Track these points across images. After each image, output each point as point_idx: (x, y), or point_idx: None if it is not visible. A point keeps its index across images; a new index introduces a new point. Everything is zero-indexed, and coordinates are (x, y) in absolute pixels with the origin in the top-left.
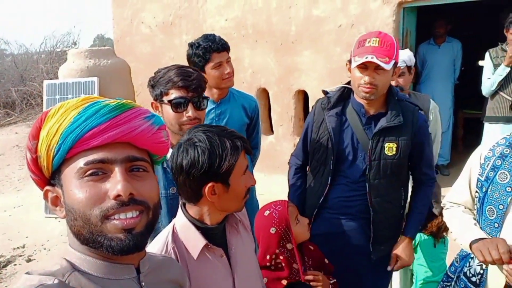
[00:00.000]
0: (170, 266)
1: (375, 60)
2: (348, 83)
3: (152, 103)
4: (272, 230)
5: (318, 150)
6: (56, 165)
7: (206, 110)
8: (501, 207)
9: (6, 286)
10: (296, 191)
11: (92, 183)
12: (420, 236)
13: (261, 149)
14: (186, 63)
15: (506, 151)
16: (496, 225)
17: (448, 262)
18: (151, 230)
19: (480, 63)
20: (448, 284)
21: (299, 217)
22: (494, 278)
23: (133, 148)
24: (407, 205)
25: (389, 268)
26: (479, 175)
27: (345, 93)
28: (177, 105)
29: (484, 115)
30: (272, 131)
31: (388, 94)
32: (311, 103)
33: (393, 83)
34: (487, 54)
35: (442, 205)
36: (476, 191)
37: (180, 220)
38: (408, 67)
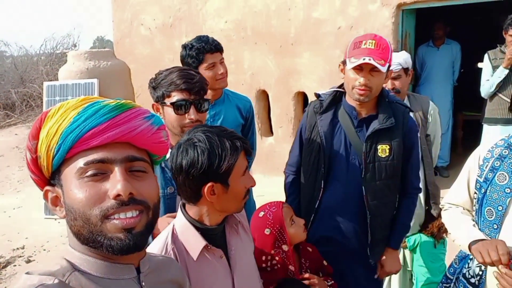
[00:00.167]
0: (170, 266)
1: (372, 62)
2: (340, 86)
3: (153, 105)
4: (267, 231)
5: (310, 154)
6: (56, 165)
7: None
8: (500, 208)
9: (5, 287)
10: (294, 200)
11: (92, 183)
12: (420, 237)
13: (261, 150)
14: None
15: (505, 152)
16: (495, 226)
17: (447, 263)
18: (151, 230)
19: (479, 65)
20: (447, 285)
21: (294, 218)
22: (493, 279)
23: (133, 148)
24: None
25: (376, 276)
26: (478, 176)
27: (337, 96)
28: (179, 108)
29: (483, 117)
30: (272, 133)
31: (379, 96)
32: None
33: (389, 85)
34: (486, 56)
35: (440, 206)
36: (475, 192)
37: (180, 221)
38: (405, 69)
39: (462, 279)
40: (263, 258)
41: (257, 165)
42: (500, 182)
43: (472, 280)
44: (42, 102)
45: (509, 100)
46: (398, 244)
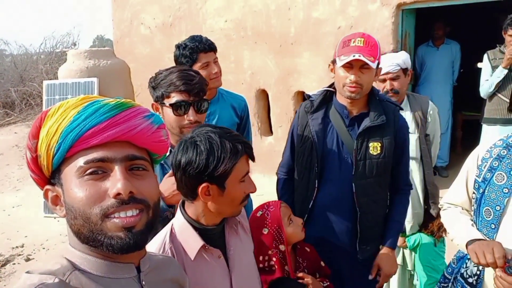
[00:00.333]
0: (170, 265)
1: (362, 58)
2: (330, 85)
3: (152, 104)
4: (265, 231)
5: (302, 154)
6: (56, 164)
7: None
8: (498, 208)
9: (5, 285)
10: (287, 201)
11: (92, 182)
12: (420, 237)
13: (260, 150)
14: None
15: (503, 152)
16: (493, 226)
17: (447, 261)
18: (151, 228)
19: (479, 65)
20: (445, 285)
21: (292, 217)
22: (490, 279)
23: (133, 147)
24: None
25: (370, 277)
26: (476, 176)
27: (328, 95)
28: (178, 109)
29: (482, 117)
30: (271, 132)
31: (369, 94)
32: None
33: (388, 86)
34: (485, 56)
35: (439, 206)
36: (473, 192)
37: (179, 221)
38: (404, 70)
39: (460, 279)
40: (261, 258)
41: (256, 165)
42: (498, 182)
43: (470, 280)
44: (41, 100)
45: (508, 100)
46: (395, 243)
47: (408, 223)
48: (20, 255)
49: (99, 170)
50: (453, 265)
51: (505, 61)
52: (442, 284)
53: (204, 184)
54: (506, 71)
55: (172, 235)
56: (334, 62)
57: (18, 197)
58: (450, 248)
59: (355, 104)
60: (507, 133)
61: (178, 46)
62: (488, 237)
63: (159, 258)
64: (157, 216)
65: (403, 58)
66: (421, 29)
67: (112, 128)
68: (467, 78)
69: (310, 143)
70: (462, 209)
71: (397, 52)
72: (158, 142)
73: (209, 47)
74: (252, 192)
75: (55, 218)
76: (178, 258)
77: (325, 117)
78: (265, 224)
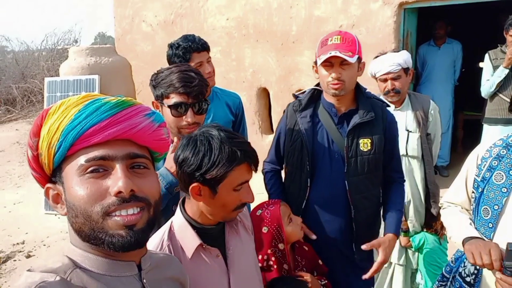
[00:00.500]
0: (171, 263)
1: (339, 54)
2: (317, 85)
3: (153, 102)
4: (264, 230)
5: (292, 154)
6: (57, 163)
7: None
8: (496, 207)
9: (5, 282)
10: (279, 195)
11: (93, 180)
12: (425, 236)
13: (261, 148)
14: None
15: (503, 152)
16: (491, 225)
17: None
18: (152, 226)
19: (481, 64)
20: (444, 284)
21: (291, 216)
22: (488, 278)
23: (134, 145)
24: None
25: (365, 277)
26: (476, 175)
27: (315, 94)
28: (176, 110)
29: (484, 117)
30: (272, 130)
31: (356, 91)
32: None
33: (389, 86)
34: (486, 56)
35: (440, 205)
36: (473, 192)
37: (178, 219)
38: (405, 69)
39: (458, 278)
40: (259, 257)
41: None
42: (497, 181)
43: (468, 279)
44: (43, 97)
45: (509, 100)
46: (398, 229)
47: (410, 222)
48: (20, 251)
49: (100, 168)
50: (452, 264)
51: (506, 61)
52: (441, 283)
53: (195, 184)
54: (507, 71)
55: (171, 232)
56: (316, 63)
57: (19, 194)
58: (451, 247)
59: (343, 102)
60: (508, 133)
61: (171, 46)
62: (485, 236)
63: (160, 256)
64: (158, 214)
65: (404, 58)
66: (423, 28)
67: (113, 126)
68: (469, 78)
69: (300, 142)
70: (462, 208)
71: (398, 51)
72: (159, 140)
73: (202, 46)
74: (249, 202)
75: (55, 215)
76: (175, 256)
77: (313, 115)
78: (265, 223)
